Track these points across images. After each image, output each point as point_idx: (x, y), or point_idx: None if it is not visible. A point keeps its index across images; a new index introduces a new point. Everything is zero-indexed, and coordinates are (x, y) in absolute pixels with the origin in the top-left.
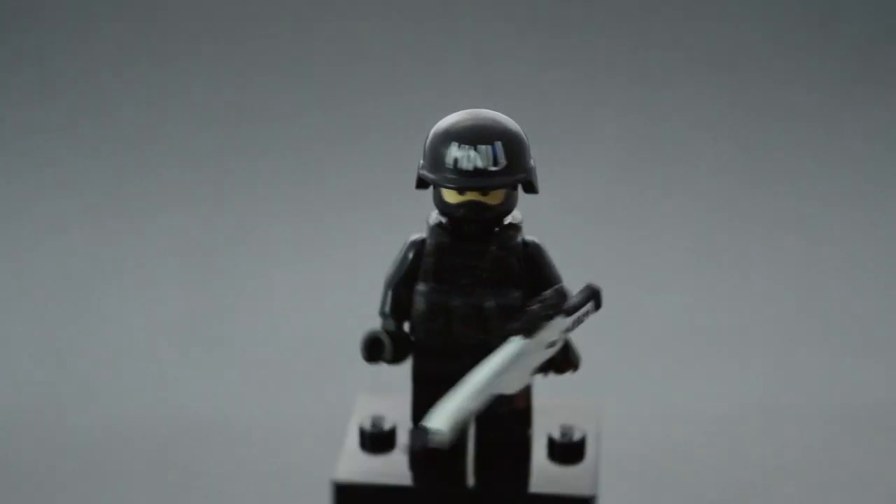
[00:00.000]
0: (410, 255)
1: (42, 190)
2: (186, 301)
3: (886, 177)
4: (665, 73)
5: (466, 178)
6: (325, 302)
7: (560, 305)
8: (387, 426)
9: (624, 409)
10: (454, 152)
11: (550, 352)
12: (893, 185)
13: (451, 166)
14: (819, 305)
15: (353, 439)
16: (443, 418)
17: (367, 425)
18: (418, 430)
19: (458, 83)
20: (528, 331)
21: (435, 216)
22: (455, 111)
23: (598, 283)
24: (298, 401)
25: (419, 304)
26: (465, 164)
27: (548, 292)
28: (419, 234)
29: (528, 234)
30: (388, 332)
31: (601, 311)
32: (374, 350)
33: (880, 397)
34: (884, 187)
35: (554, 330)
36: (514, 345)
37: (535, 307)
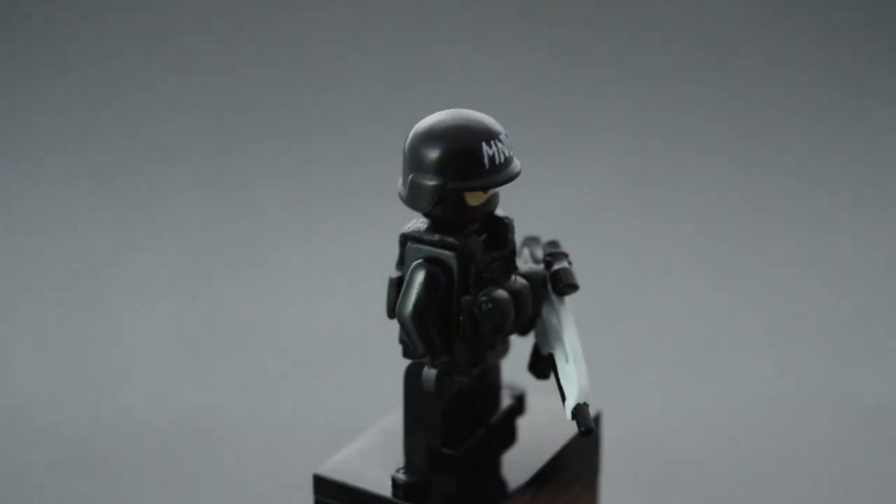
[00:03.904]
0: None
1: (42, 190)
2: (185, 301)
3: (888, 175)
4: (666, 71)
5: (503, 172)
6: (324, 301)
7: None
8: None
9: (625, 408)
10: (487, 150)
11: None
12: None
13: (487, 166)
14: (820, 304)
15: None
16: (580, 394)
17: (401, 475)
18: (581, 408)
19: (457, 80)
20: (574, 286)
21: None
22: (454, 107)
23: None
24: (297, 400)
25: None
26: (500, 158)
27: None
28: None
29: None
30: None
31: (601, 310)
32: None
33: (882, 397)
34: (886, 186)
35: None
36: (565, 306)
37: (562, 265)
